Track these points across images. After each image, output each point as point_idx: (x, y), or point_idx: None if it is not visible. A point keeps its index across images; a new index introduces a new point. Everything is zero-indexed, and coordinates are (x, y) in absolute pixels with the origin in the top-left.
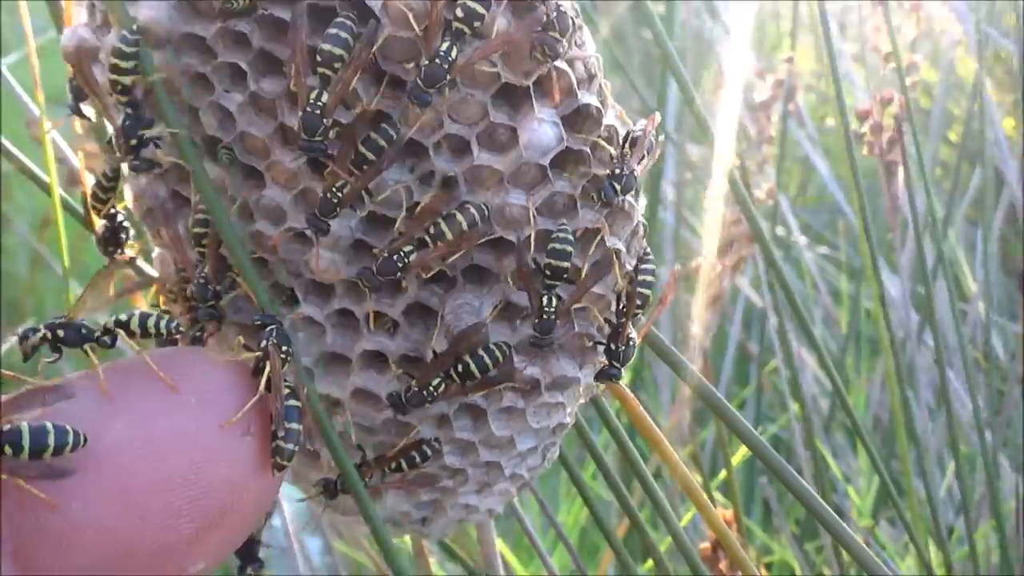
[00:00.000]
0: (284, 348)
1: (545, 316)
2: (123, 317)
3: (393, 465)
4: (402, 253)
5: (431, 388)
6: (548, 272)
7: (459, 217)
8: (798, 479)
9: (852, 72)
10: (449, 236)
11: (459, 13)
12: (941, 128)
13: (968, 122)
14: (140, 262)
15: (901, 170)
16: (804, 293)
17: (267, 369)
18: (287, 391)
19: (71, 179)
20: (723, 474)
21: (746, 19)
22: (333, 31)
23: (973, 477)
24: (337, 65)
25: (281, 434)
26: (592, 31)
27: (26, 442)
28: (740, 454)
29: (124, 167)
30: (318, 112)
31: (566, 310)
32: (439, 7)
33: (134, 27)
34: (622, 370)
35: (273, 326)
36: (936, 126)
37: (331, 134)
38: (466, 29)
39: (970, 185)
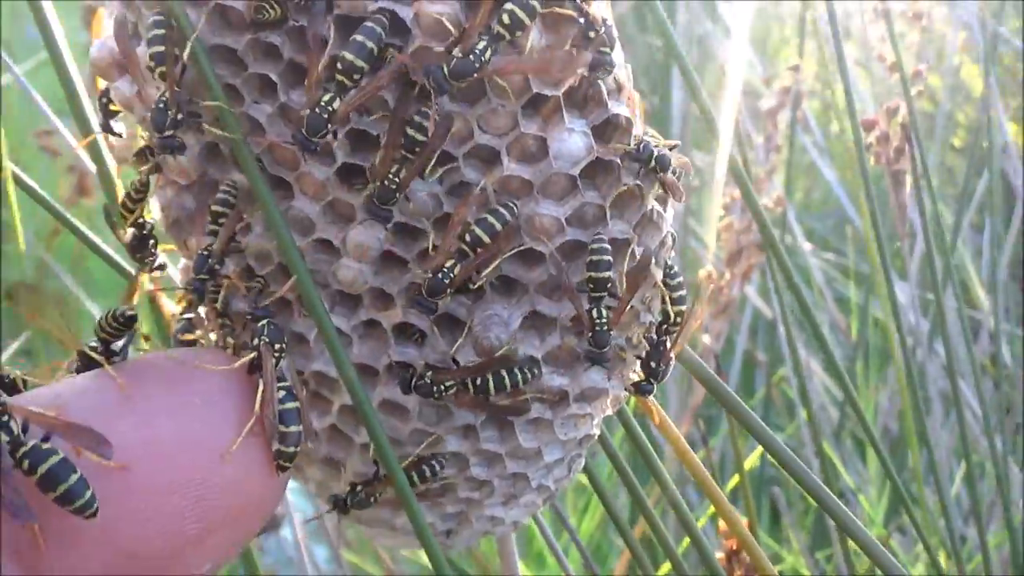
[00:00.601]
0: (277, 346)
1: (599, 328)
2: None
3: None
4: (446, 269)
5: (443, 387)
6: (592, 285)
7: (491, 219)
8: (810, 474)
9: (856, 77)
10: (486, 239)
11: (505, 19)
12: (945, 134)
13: (974, 128)
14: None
15: (908, 179)
16: (811, 300)
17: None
18: (283, 392)
19: (80, 189)
20: (735, 479)
21: (746, 22)
22: (359, 38)
23: (983, 484)
24: (356, 76)
25: (279, 442)
26: None
27: (42, 470)
28: (754, 455)
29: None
30: (325, 116)
31: (616, 320)
32: (487, 11)
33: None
34: (655, 386)
35: (265, 320)
36: (940, 132)
37: (336, 136)
38: (507, 35)
39: (976, 190)
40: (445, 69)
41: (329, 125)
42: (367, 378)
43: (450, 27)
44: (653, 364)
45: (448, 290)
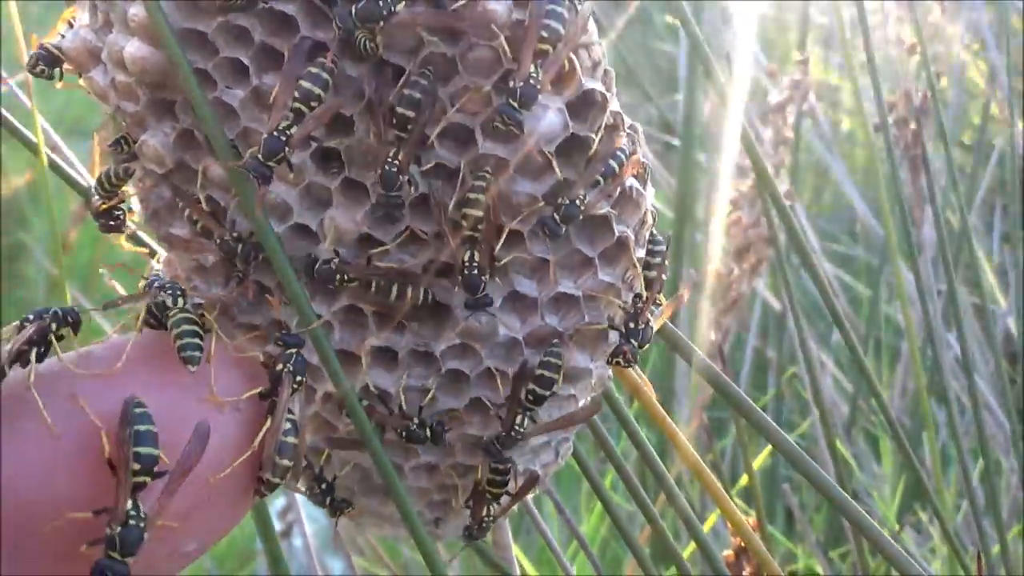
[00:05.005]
0: (299, 378)
1: (513, 433)
2: None
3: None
4: (467, 263)
5: (344, 276)
6: (531, 397)
7: (475, 196)
8: (821, 472)
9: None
10: (477, 214)
11: None
12: (954, 131)
13: (982, 126)
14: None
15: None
16: (820, 296)
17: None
18: (288, 424)
19: (87, 206)
20: (744, 479)
21: (752, 20)
22: (314, 70)
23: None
24: (314, 104)
25: (268, 472)
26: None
27: None
28: (764, 453)
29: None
30: (282, 140)
31: (527, 437)
32: None
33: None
34: (638, 349)
35: (293, 350)
36: (949, 128)
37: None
38: None
39: (981, 184)
40: (353, 10)
41: (285, 150)
42: (349, 365)
43: None
44: (631, 325)
45: (484, 279)
